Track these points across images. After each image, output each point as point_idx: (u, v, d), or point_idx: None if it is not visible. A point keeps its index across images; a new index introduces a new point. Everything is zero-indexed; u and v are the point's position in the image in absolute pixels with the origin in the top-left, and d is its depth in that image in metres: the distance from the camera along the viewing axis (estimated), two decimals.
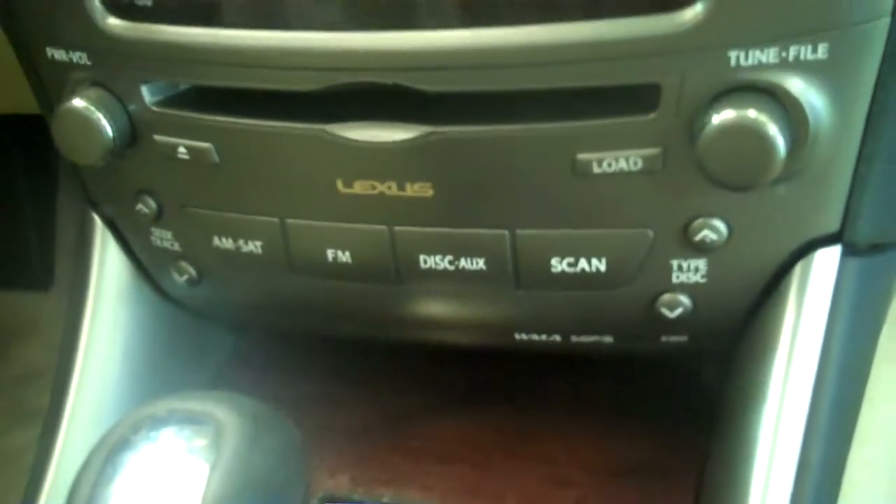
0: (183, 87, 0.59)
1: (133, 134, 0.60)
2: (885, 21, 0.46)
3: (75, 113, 0.58)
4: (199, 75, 0.56)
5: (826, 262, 0.54)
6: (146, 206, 0.64)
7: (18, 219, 1.25)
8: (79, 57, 0.59)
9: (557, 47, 0.48)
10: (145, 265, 0.70)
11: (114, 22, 0.56)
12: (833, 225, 0.53)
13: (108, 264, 0.71)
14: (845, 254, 0.54)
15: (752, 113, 0.46)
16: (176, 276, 0.68)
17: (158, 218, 0.64)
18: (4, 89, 0.75)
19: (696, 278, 0.55)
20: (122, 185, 0.64)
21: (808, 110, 0.47)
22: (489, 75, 0.50)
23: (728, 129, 0.46)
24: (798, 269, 0.54)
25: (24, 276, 1.26)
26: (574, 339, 0.62)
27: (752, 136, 0.46)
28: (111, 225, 0.70)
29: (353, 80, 0.52)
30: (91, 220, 0.70)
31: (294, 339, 0.79)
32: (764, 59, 0.46)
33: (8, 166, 1.22)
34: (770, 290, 0.55)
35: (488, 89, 0.50)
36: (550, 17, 0.48)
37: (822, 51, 0.46)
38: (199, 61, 0.55)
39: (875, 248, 0.54)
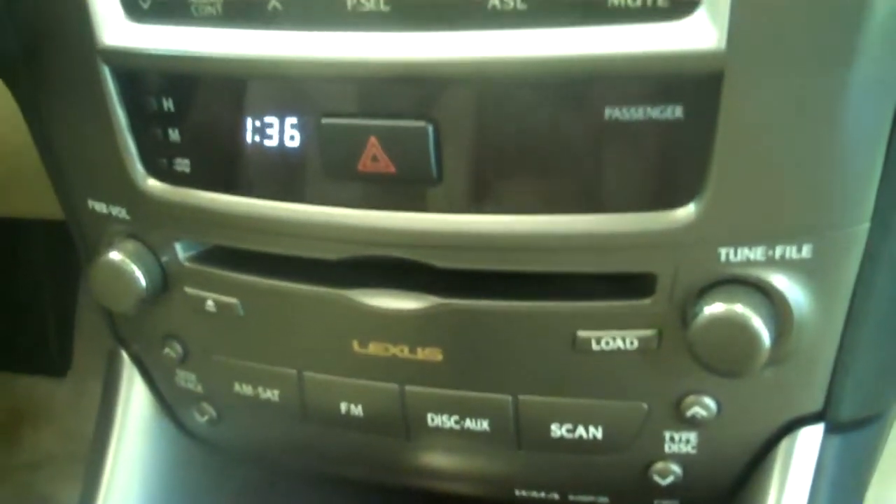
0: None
1: (165, 284, 0.64)
2: (866, 226, 0.50)
3: (112, 266, 0.62)
4: (230, 238, 0.60)
5: (810, 439, 0.57)
6: (173, 350, 0.68)
7: (38, 302, 1.28)
8: (118, 211, 0.64)
9: (560, 237, 0.52)
10: (169, 403, 0.74)
11: (153, 184, 0.61)
12: (816, 405, 0.56)
13: (134, 400, 0.74)
14: (828, 430, 0.57)
15: (739, 308, 0.50)
16: (197, 415, 0.72)
17: (184, 361, 0.68)
18: (30, 196, 0.79)
19: (687, 449, 0.58)
20: (151, 329, 0.69)
21: (792, 305, 0.51)
22: (495, 257, 0.54)
23: (717, 322, 0.50)
24: (783, 445, 0.57)
25: (40, 360, 1.28)
26: (571, 497, 0.65)
27: (739, 328, 0.50)
28: (138, 362, 0.74)
29: (371, 254, 0.56)
30: (119, 357, 0.74)
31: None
32: (752, 257, 0.50)
33: (31, 256, 1.25)
34: (757, 462, 0.58)
35: (494, 269, 0.54)
36: (555, 208, 0.52)
37: (806, 251, 0.50)
38: (230, 226, 0.59)
39: (856, 423, 0.58)
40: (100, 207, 0.65)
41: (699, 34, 0.46)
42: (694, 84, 0.47)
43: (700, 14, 0.46)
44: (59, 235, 0.77)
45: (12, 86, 0.68)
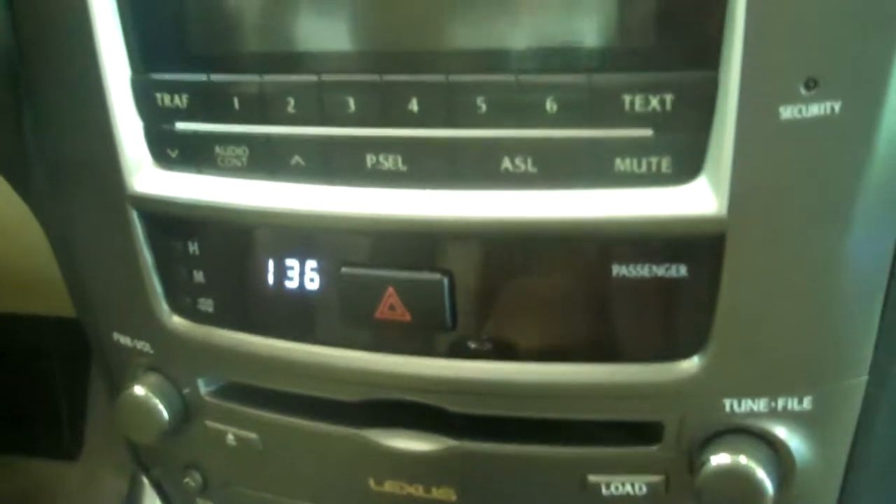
0: None
1: (186, 416, 0.66)
2: (864, 378, 0.52)
3: (136, 400, 0.65)
4: (250, 376, 0.63)
5: None
6: (193, 480, 0.70)
7: (51, 387, 1.30)
8: (143, 345, 0.66)
9: (568, 385, 0.54)
10: None
11: (178, 321, 0.63)
12: None
13: None
14: None
15: (743, 459, 0.52)
16: None
17: (204, 490, 0.70)
18: (46, 297, 0.82)
19: None
20: (173, 458, 0.70)
21: (795, 453, 0.53)
22: (506, 403, 0.56)
23: (723, 473, 0.52)
24: None
25: (53, 443, 1.29)
26: None
27: (744, 479, 0.52)
28: (158, 487, 0.76)
29: (386, 397, 0.58)
30: (140, 481, 0.76)
31: None
32: (755, 408, 0.52)
33: (44, 343, 1.27)
34: None
35: (506, 415, 0.56)
36: (564, 358, 0.54)
37: (807, 402, 0.52)
38: (250, 365, 0.62)
39: None
40: (125, 340, 0.67)
41: (701, 200, 0.49)
42: (697, 245, 0.50)
43: (702, 181, 0.49)
44: (72, 326, 0.80)
45: (40, 218, 0.71)
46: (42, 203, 0.69)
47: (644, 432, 0.55)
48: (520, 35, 0.50)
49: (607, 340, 0.54)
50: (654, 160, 0.49)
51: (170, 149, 0.59)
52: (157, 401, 0.64)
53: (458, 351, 0.56)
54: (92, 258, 0.67)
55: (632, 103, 0.48)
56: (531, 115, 0.50)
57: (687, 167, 0.49)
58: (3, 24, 0.64)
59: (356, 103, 0.53)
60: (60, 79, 0.61)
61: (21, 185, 0.70)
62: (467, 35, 0.51)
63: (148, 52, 0.58)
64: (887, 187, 0.48)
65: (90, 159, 0.62)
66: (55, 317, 1.02)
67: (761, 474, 0.51)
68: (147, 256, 0.62)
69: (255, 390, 0.63)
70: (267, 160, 0.56)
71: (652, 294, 0.52)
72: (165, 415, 0.65)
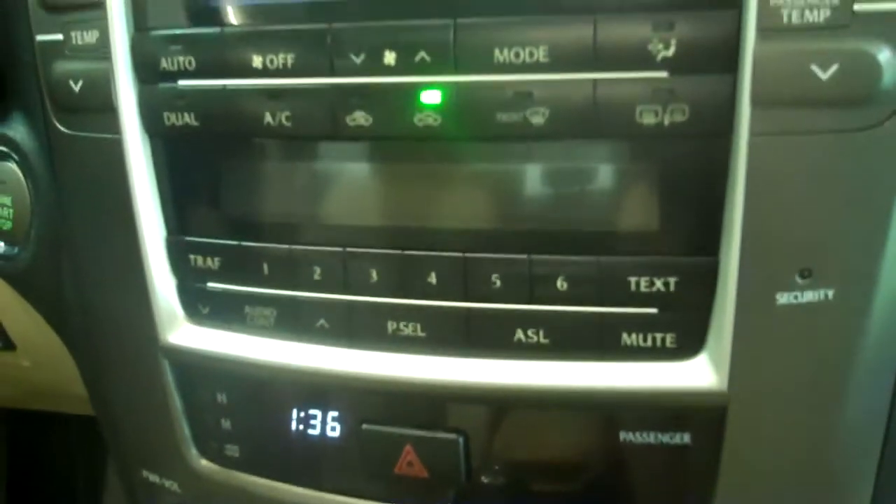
0: None
1: None
2: None
3: None
4: None
5: None
6: None
7: (70, 482, 1.32)
8: (170, 484, 0.69)
9: None
10: None
11: (205, 464, 0.67)
12: None
13: None
14: None
15: None
16: None
17: None
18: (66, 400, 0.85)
19: None
20: None
21: None
22: None
23: None
24: None
25: None
26: None
27: None
28: None
29: None
30: None
31: None
32: None
33: (64, 438, 1.30)
34: None
35: None
36: None
37: None
38: None
39: None
40: (153, 478, 0.70)
41: (703, 375, 0.52)
42: (700, 415, 0.53)
43: (704, 357, 0.52)
44: (90, 424, 0.83)
45: (77, 359, 0.74)
46: (79, 346, 0.73)
47: None
48: (532, 218, 0.54)
49: (616, 499, 0.56)
50: (658, 336, 0.53)
51: (201, 305, 0.62)
52: None
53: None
54: (123, 400, 0.70)
55: (638, 284, 0.52)
56: (543, 291, 0.53)
57: (690, 344, 0.52)
58: (46, 179, 0.69)
59: (378, 274, 0.56)
60: (99, 234, 0.65)
61: (60, 328, 0.74)
62: (483, 216, 0.55)
63: (183, 216, 0.62)
64: (878, 362, 0.51)
65: (125, 310, 0.65)
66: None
67: None
68: (177, 403, 0.65)
69: None
70: (293, 322, 0.59)
71: (658, 458, 0.55)
72: None
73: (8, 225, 0.72)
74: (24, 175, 0.71)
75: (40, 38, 0.63)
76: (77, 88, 0.61)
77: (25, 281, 0.74)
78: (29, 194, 0.71)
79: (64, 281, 0.70)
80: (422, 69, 0.52)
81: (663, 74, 0.49)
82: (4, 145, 0.71)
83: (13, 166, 0.72)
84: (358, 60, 0.53)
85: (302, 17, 0.55)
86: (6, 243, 0.73)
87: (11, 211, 0.72)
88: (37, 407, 1.08)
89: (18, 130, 0.71)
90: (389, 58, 0.52)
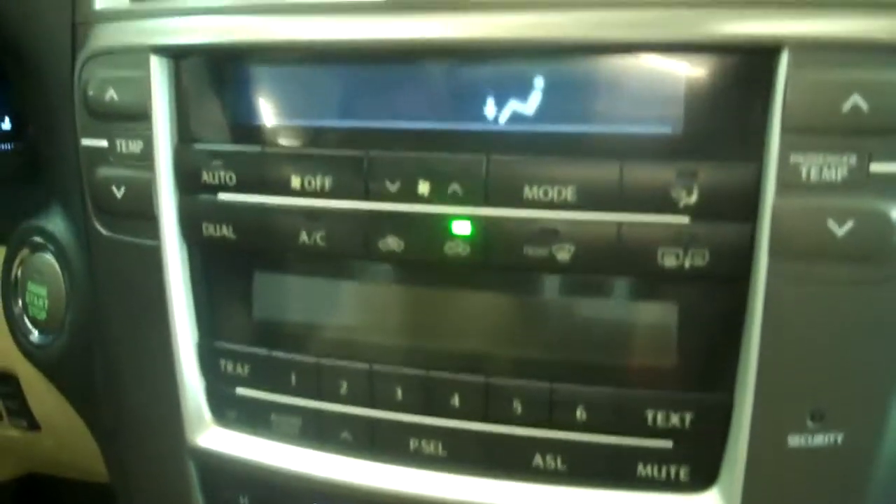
0: None
1: None
2: None
3: None
4: None
5: None
6: None
7: None
8: None
9: None
10: None
11: None
12: None
13: None
14: None
15: None
16: None
17: None
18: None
19: None
20: None
21: None
22: None
23: None
24: None
25: None
26: None
27: None
28: None
29: None
30: None
31: None
32: None
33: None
34: None
35: None
36: None
37: None
38: None
39: None
40: None
41: None
42: None
43: (716, 491, 0.54)
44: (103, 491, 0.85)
45: (104, 452, 0.76)
46: (105, 436, 0.75)
47: None
48: (555, 347, 0.56)
49: None
50: (672, 469, 0.54)
51: (229, 410, 0.64)
52: None
53: None
54: (146, 495, 0.72)
55: (654, 417, 0.54)
56: (562, 418, 0.55)
57: (703, 477, 0.54)
58: (82, 272, 0.71)
59: (402, 392, 0.58)
60: (132, 333, 0.67)
61: (87, 417, 0.76)
62: (507, 342, 0.57)
63: (215, 322, 0.64)
64: (885, 500, 0.53)
65: (154, 409, 0.67)
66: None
67: None
68: (200, 502, 0.67)
69: None
70: (318, 432, 0.61)
71: None
72: None
73: (42, 315, 0.75)
74: (61, 266, 0.73)
75: (85, 142, 0.66)
76: (119, 194, 0.64)
77: (57, 370, 0.76)
78: (64, 285, 0.74)
79: (95, 372, 0.72)
80: (454, 200, 0.54)
81: (685, 220, 0.51)
82: (42, 237, 0.74)
83: (50, 258, 0.74)
84: (393, 188, 0.55)
85: (341, 141, 0.57)
86: (40, 332, 0.75)
87: (46, 301, 0.74)
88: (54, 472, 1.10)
89: (56, 224, 0.73)
90: (423, 187, 0.55)
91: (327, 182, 0.57)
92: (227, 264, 0.64)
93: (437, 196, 0.54)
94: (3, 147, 0.96)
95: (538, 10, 0.53)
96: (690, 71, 0.51)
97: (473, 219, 0.54)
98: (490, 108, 0.55)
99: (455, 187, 0.54)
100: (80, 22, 0.68)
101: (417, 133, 0.56)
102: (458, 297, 0.58)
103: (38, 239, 0.74)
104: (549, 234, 0.52)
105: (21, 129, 0.95)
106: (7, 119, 1.01)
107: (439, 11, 0.55)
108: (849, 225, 0.48)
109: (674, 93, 0.51)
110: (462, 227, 0.54)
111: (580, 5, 0.52)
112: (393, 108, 0.57)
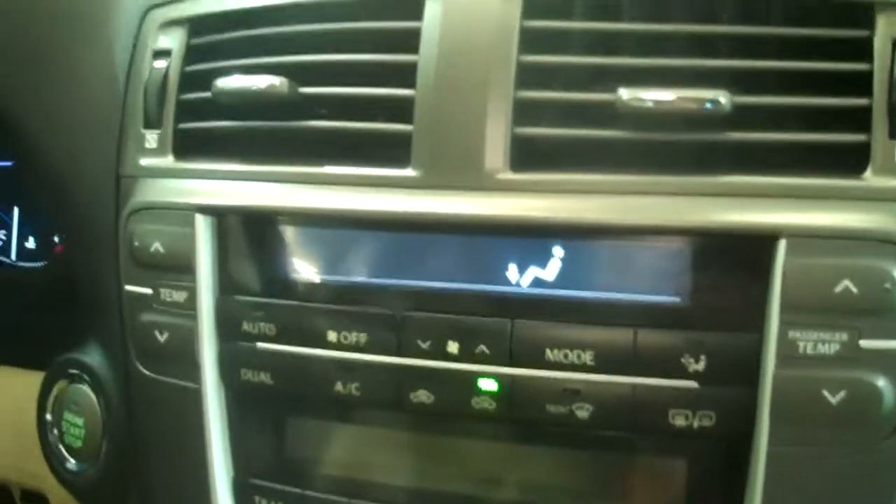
0: None
1: None
2: None
3: None
4: None
5: None
6: None
7: None
8: None
9: None
10: None
11: None
12: None
13: None
14: None
15: None
16: None
17: None
18: None
19: None
20: None
21: None
22: None
23: None
24: None
25: None
26: None
27: None
28: None
29: None
30: None
31: None
32: None
33: None
34: None
35: None
36: None
37: None
38: None
39: None
40: None
41: None
42: None
43: None
44: None
45: None
46: None
47: None
48: (569, 498, 0.61)
49: None
50: None
51: None
52: None
53: None
54: None
55: None
56: None
57: None
58: (118, 403, 0.76)
59: None
60: (169, 466, 0.73)
61: None
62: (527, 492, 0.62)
63: (250, 459, 0.70)
64: None
65: None
66: None
67: None
68: None
69: None
70: None
71: None
72: None
73: (78, 443, 0.79)
74: (97, 398, 0.78)
75: (129, 288, 0.71)
76: (162, 339, 0.69)
77: (91, 496, 0.80)
78: (101, 415, 0.78)
79: (129, 498, 0.77)
80: (481, 360, 0.60)
81: (693, 384, 0.56)
82: (80, 370, 0.79)
83: (86, 389, 0.79)
84: (424, 345, 0.61)
85: (376, 299, 0.63)
86: (77, 461, 0.79)
87: (83, 431, 0.79)
88: None
89: (94, 358, 0.78)
90: (452, 347, 0.60)
91: (362, 338, 0.62)
92: (263, 406, 0.69)
93: (465, 355, 0.60)
94: (31, 265, 1.01)
95: (556, 194, 0.59)
96: (698, 250, 0.57)
97: (499, 377, 0.59)
98: (513, 273, 0.60)
99: (482, 348, 0.59)
100: (124, 175, 0.73)
101: (446, 293, 0.62)
102: (484, 447, 0.62)
103: (76, 371, 0.78)
104: (570, 393, 0.58)
105: (47, 249, 1.00)
106: (31, 239, 1.06)
107: (466, 191, 0.61)
108: (842, 394, 0.54)
109: (683, 268, 0.57)
110: (489, 385, 0.59)
111: (597, 191, 0.58)
112: (422, 269, 0.63)
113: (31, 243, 1.05)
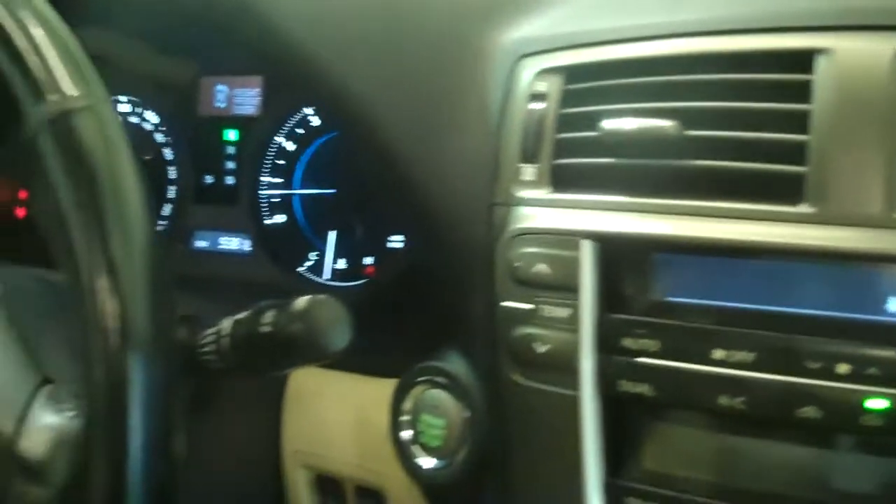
0: None
1: None
2: None
3: None
4: None
5: None
6: None
7: None
8: None
9: None
10: None
11: None
12: None
13: None
14: None
15: None
16: None
17: None
18: None
19: None
20: None
21: None
22: None
23: None
24: None
25: None
26: None
27: None
28: None
29: None
30: None
31: None
32: None
33: None
34: None
35: None
36: None
37: None
38: None
39: None
40: None
41: None
42: None
43: None
44: None
45: None
46: None
47: None
48: None
49: None
50: None
51: None
52: None
53: None
54: None
55: None
56: None
57: None
58: (482, 411, 0.85)
59: None
60: (540, 470, 0.81)
61: None
62: None
63: (618, 465, 0.77)
64: None
65: None
66: None
67: None
68: None
69: None
70: None
71: None
72: None
73: (437, 442, 0.88)
74: (459, 402, 0.86)
75: (506, 304, 0.80)
76: (540, 350, 0.77)
77: (443, 494, 0.89)
78: (462, 418, 0.87)
79: (483, 500, 0.85)
80: (871, 381, 0.66)
81: None
82: (443, 377, 0.88)
83: (445, 394, 0.88)
84: (814, 366, 0.68)
85: (758, 323, 0.70)
86: (436, 458, 0.89)
87: (444, 432, 0.88)
88: None
89: (457, 367, 0.87)
90: (842, 368, 0.67)
91: (751, 357, 0.69)
92: (634, 414, 0.77)
93: (856, 377, 0.66)
94: (343, 284, 1.11)
95: None
96: None
97: (890, 397, 0.65)
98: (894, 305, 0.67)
99: (873, 370, 0.66)
100: (497, 203, 0.82)
101: (831, 321, 0.68)
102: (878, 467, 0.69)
103: (438, 378, 0.88)
104: None
105: (357, 270, 1.13)
106: (341, 261, 1.17)
107: (854, 227, 0.67)
108: None
109: None
110: (878, 403, 0.66)
111: None
112: (801, 296, 0.70)
113: (340, 265, 1.16)
